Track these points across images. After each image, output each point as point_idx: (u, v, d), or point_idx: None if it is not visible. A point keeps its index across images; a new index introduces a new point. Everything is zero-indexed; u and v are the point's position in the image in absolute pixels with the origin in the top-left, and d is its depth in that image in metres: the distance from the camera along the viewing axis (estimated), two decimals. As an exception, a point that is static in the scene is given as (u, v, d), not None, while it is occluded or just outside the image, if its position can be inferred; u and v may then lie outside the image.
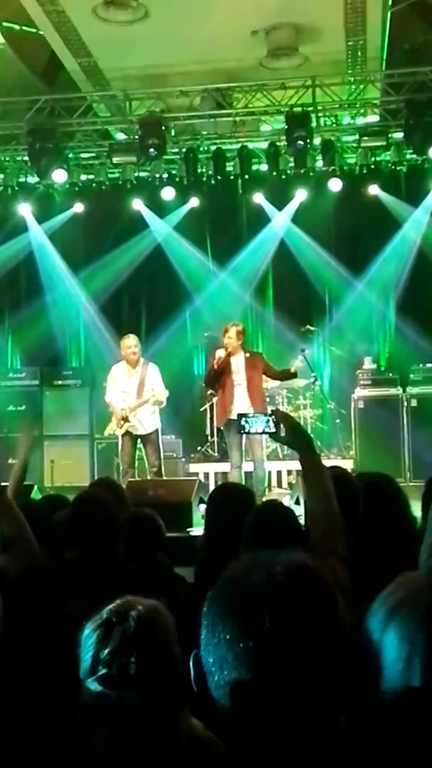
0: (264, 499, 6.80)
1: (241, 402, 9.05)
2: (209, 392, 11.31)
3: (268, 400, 10.19)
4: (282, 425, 3.08)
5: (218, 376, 9.22)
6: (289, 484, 10.91)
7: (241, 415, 3.47)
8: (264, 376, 9.40)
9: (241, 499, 4.03)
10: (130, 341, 9.63)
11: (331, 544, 2.70)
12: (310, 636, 1.22)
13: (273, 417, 3.13)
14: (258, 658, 1.21)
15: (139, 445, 9.56)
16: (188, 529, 7.13)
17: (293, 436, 3.09)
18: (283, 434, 3.11)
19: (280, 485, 10.89)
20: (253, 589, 1.24)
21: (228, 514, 3.83)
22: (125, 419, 9.39)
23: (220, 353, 9.07)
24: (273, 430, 3.12)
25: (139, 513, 4.25)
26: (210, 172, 12.28)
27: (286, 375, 9.41)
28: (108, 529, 3.58)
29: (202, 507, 7.59)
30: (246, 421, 3.34)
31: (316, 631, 1.22)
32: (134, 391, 9.46)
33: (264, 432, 3.24)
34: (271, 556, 1.30)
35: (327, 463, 3.50)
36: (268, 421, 3.15)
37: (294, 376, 9.51)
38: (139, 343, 9.74)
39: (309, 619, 1.23)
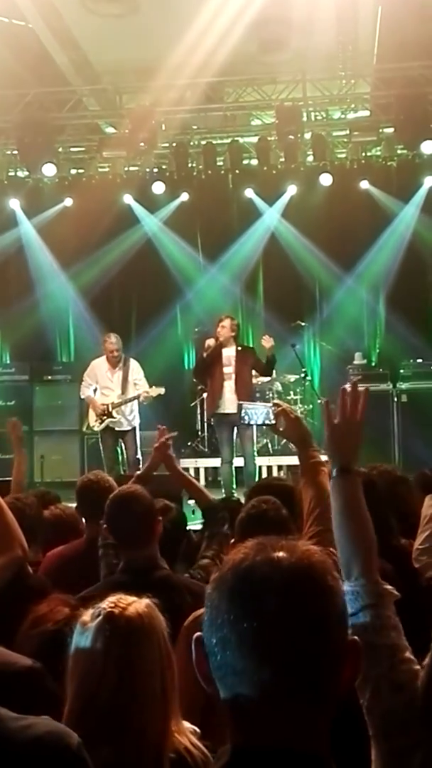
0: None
1: (229, 396, 9.04)
2: (199, 387, 11.33)
3: (258, 395, 10.20)
4: (282, 418, 3.07)
5: (207, 367, 9.21)
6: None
7: (241, 406, 3.48)
8: (254, 371, 9.40)
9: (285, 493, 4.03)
10: (112, 340, 9.64)
11: (323, 539, 2.69)
12: (313, 619, 1.24)
13: (273, 409, 3.11)
14: (260, 639, 1.22)
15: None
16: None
17: (292, 430, 3.08)
18: (282, 427, 3.09)
19: (270, 480, 10.88)
20: (257, 572, 1.26)
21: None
22: (108, 414, 9.41)
23: (210, 342, 9.06)
24: (273, 421, 3.11)
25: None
26: (200, 167, 12.26)
27: (269, 361, 9.22)
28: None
29: (192, 502, 7.58)
30: (246, 413, 3.34)
31: (318, 615, 1.24)
32: (118, 386, 9.49)
33: (264, 424, 3.24)
34: (275, 541, 1.32)
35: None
36: (268, 413, 3.15)
37: (273, 358, 9.31)
38: (120, 341, 9.72)
39: (312, 603, 1.24)
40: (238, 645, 1.24)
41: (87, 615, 2.14)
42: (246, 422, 3.38)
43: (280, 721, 1.23)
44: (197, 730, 2.20)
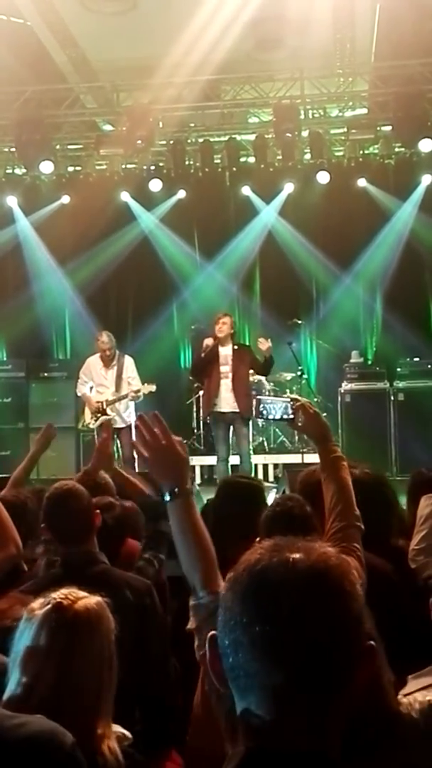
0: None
1: (226, 394, 9.05)
2: (195, 385, 11.33)
3: (254, 393, 10.18)
4: (300, 413, 3.02)
5: (205, 366, 9.21)
6: (276, 477, 10.93)
7: (259, 401, 3.41)
8: (251, 370, 9.40)
9: (251, 492, 4.04)
10: (104, 339, 9.67)
11: (347, 536, 2.67)
12: (328, 623, 1.22)
13: (292, 403, 3.06)
14: (273, 643, 1.21)
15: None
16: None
17: (311, 425, 3.03)
18: (300, 422, 3.04)
19: (266, 479, 10.89)
20: (273, 574, 1.24)
21: (237, 506, 3.84)
22: (102, 411, 9.43)
23: (209, 341, 9.06)
24: (291, 416, 3.06)
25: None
26: (198, 164, 12.25)
27: (266, 362, 9.19)
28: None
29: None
30: (264, 407, 3.28)
31: (333, 619, 1.22)
32: (112, 384, 9.51)
33: (282, 419, 3.18)
34: (292, 542, 1.29)
35: (315, 457, 3.46)
36: (286, 407, 3.09)
37: (271, 360, 9.29)
38: (112, 339, 9.72)
39: (327, 607, 1.22)
40: (251, 648, 1.22)
41: (36, 603, 2.14)
42: (263, 417, 3.31)
43: (292, 725, 1.22)
44: (128, 735, 2.17)
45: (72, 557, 3.36)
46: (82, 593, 2.15)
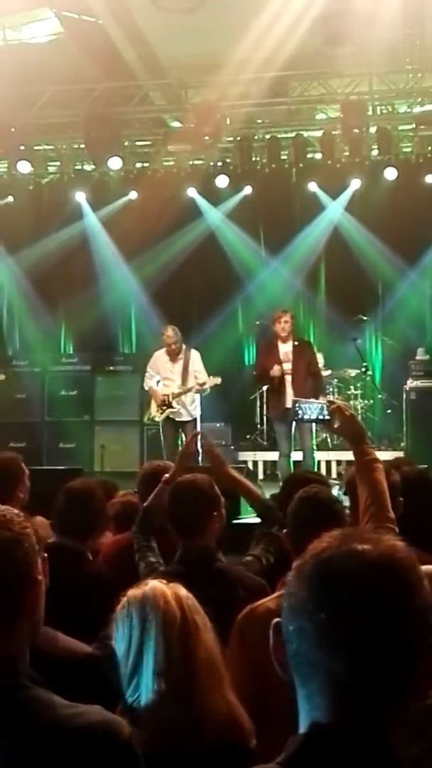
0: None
1: (288, 391, 9.08)
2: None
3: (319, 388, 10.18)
4: (337, 415, 3.06)
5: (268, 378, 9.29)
6: (339, 474, 10.89)
7: (295, 401, 3.47)
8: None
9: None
10: (169, 333, 9.73)
11: None
12: (393, 615, 1.22)
13: (328, 406, 3.10)
14: (337, 631, 1.22)
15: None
16: (237, 519, 7.12)
17: (347, 427, 3.07)
18: (336, 424, 3.08)
19: (329, 475, 10.87)
20: (340, 563, 1.25)
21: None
22: (168, 404, 9.50)
23: (276, 373, 9.07)
24: (327, 418, 3.10)
25: None
26: (264, 161, 12.25)
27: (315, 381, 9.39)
28: None
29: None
30: (300, 407, 3.33)
31: (398, 611, 1.23)
32: (179, 377, 9.57)
33: (317, 420, 3.22)
34: (360, 532, 1.31)
35: (380, 455, 3.48)
36: (322, 408, 3.13)
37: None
38: (178, 333, 9.80)
39: (393, 598, 1.23)
40: (315, 634, 1.23)
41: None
42: (300, 417, 3.35)
43: (353, 713, 1.22)
44: None
45: (192, 553, 3.41)
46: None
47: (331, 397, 4.35)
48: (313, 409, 3.25)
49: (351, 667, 1.21)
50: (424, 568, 1.32)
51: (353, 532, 1.31)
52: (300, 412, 3.33)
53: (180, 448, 9.79)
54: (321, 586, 1.24)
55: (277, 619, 1.31)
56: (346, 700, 1.23)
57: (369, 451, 3.03)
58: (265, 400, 11.06)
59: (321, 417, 3.17)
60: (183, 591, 2.27)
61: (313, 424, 9.33)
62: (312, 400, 3.53)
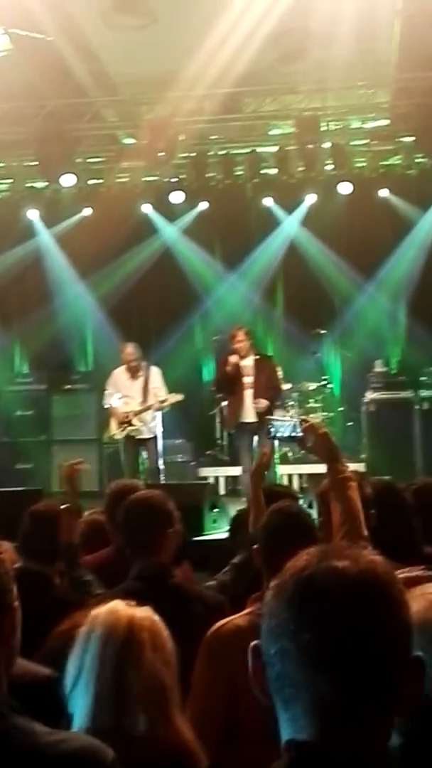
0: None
1: (249, 405, 9.06)
2: (218, 395, 11.31)
3: (278, 403, 10.16)
4: (310, 434, 3.05)
5: (229, 383, 9.23)
6: (301, 488, 10.87)
7: (269, 419, 3.44)
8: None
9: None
10: (129, 350, 9.72)
11: None
12: (377, 631, 1.20)
13: (301, 423, 3.09)
14: (320, 651, 1.19)
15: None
16: (200, 535, 7.06)
17: (321, 446, 3.06)
18: (310, 443, 3.07)
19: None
20: (321, 581, 1.22)
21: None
22: (129, 422, 9.44)
23: (234, 359, 9.07)
24: (300, 435, 3.09)
25: None
26: (219, 176, 12.28)
27: (274, 395, 9.39)
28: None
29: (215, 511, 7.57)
30: (272, 425, 3.30)
31: (382, 628, 1.21)
32: (139, 395, 9.53)
33: (291, 437, 3.20)
34: (338, 549, 1.29)
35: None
36: (295, 426, 3.11)
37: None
38: (138, 350, 9.77)
39: (376, 615, 1.21)
40: (298, 655, 1.20)
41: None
42: (272, 435, 3.31)
43: (337, 734, 1.20)
44: None
45: (147, 570, 3.35)
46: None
47: (304, 416, 4.33)
48: (286, 426, 3.21)
49: (336, 685, 1.18)
50: (398, 572, 1.32)
51: (331, 549, 1.29)
52: (273, 430, 3.30)
53: (140, 466, 9.76)
54: (303, 606, 1.21)
55: (255, 642, 1.27)
56: (331, 719, 1.19)
57: (343, 469, 3.03)
58: (225, 414, 11.01)
59: (294, 435, 3.14)
60: (142, 612, 2.20)
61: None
62: (285, 417, 3.51)
